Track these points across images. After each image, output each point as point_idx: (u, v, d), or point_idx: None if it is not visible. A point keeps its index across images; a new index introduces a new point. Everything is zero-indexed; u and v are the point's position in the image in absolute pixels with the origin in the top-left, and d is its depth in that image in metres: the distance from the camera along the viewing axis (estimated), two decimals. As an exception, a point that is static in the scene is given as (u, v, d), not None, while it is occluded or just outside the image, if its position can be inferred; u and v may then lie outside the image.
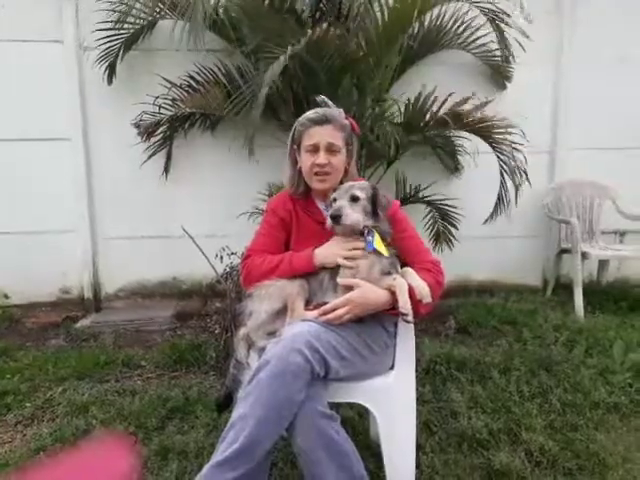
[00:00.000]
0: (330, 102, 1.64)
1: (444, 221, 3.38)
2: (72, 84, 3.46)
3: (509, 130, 2.81)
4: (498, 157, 2.95)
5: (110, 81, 3.40)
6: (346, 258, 1.48)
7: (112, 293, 3.73)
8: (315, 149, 1.57)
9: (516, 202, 3.03)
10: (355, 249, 1.48)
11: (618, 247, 3.71)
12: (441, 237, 3.40)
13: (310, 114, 1.60)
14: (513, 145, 2.85)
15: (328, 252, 1.51)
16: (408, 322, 1.42)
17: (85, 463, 0.54)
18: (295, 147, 1.65)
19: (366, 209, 1.50)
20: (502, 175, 3.00)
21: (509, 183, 3.00)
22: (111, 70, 3.36)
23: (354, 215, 1.47)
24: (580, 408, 2.07)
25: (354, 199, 1.49)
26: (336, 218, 1.46)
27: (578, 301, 3.34)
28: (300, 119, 1.62)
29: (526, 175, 2.92)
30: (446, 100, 2.76)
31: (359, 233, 1.50)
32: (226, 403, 1.50)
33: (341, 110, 1.63)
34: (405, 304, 1.37)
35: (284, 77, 2.90)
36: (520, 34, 3.14)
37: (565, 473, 1.68)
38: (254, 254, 1.62)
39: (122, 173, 3.58)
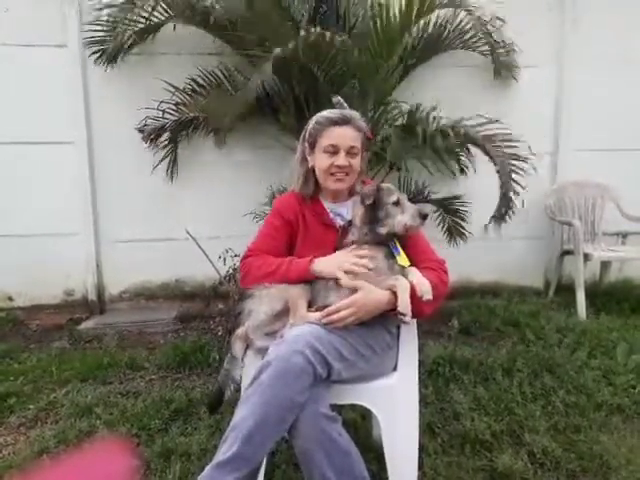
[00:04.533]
0: (345, 103, 1.63)
1: (453, 216, 3.37)
2: (76, 88, 3.47)
3: (511, 144, 2.80)
4: (498, 172, 2.88)
5: (111, 65, 3.29)
6: (346, 272, 1.45)
7: (116, 295, 3.74)
8: (335, 150, 1.54)
9: (507, 215, 2.99)
10: (359, 257, 1.48)
11: (620, 248, 3.70)
12: (453, 232, 3.40)
13: (328, 113, 1.58)
14: (514, 157, 2.80)
15: (329, 263, 1.50)
16: (405, 322, 1.41)
17: (87, 465, 0.55)
18: (306, 145, 1.62)
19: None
20: (502, 188, 2.90)
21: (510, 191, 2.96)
22: (109, 57, 3.24)
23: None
24: (583, 410, 2.06)
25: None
26: (426, 217, 1.50)
27: (580, 302, 3.33)
28: (317, 117, 1.59)
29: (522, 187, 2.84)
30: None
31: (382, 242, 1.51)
32: (217, 402, 1.48)
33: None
34: (404, 304, 1.37)
35: (284, 79, 2.91)
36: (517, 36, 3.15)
37: (568, 475, 1.68)
38: (254, 254, 1.61)
39: (125, 176, 3.59)
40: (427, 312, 1.44)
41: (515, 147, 2.79)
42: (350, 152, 1.55)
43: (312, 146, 1.59)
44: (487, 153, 2.85)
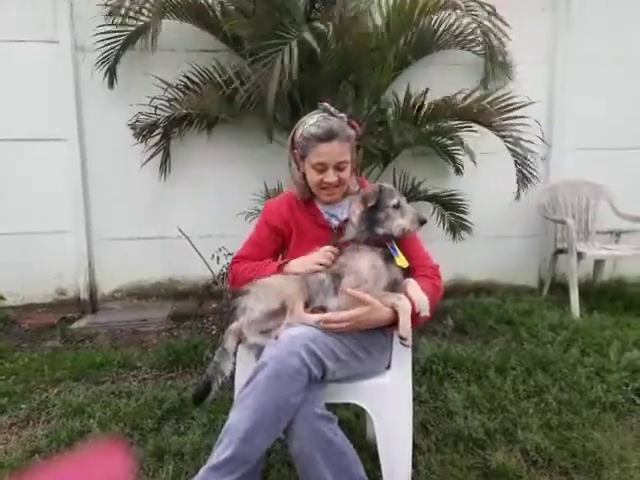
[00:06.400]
0: (332, 109, 1.59)
1: (453, 211, 3.39)
2: (68, 84, 3.44)
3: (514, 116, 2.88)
4: (504, 139, 2.97)
5: (111, 85, 3.35)
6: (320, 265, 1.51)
7: (108, 294, 3.71)
8: (323, 168, 1.52)
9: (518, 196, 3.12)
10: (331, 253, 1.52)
11: (614, 247, 3.72)
12: (456, 227, 3.40)
13: (313, 127, 1.50)
14: (521, 125, 2.90)
15: (305, 260, 1.52)
16: (405, 346, 1.40)
17: (80, 465, 0.54)
18: (295, 152, 1.59)
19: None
20: (515, 156, 3.06)
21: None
22: (111, 74, 3.32)
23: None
24: (576, 407, 2.07)
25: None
26: (424, 222, 1.51)
27: (574, 301, 3.34)
28: (303, 130, 1.53)
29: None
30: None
31: (381, 244, 1.51)
32: (203, 394, 1.45)
33: (344, 116, 1.56)
34: (405, 328, 1.37)
35: (280, 77, 2.89)
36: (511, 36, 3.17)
37: (561, 472, 1.68)
38: (241, 261, 1.66)
39: (118, 174, 3.57)
40: (420, 323, 1.45)
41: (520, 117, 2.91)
42: (338, 167, 1.53)
43: (302, 157, 1.57)
44: (491, 125, 2.94)
